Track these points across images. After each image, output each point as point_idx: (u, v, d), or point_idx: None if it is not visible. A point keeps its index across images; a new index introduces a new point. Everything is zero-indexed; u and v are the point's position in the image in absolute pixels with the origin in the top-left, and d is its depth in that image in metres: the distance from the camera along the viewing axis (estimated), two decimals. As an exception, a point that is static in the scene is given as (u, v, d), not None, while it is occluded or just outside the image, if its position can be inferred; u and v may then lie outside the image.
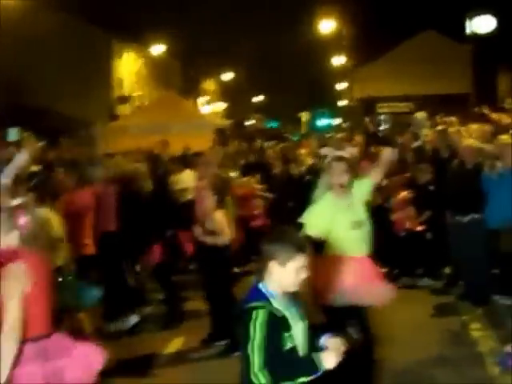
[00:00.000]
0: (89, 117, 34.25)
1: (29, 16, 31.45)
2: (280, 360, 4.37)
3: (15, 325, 5.20)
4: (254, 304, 4.46)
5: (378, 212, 11.14)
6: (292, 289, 4.59)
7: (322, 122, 58.38)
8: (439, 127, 15.25)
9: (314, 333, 4.72)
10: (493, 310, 10.83)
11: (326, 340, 4.68)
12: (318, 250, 7.20)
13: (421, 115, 15.97)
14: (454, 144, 13.02)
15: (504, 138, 11.92)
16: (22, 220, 5.70)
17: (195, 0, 45.69)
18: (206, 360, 9.41)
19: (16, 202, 5.91)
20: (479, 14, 26.41)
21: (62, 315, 6.86)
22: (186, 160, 15.50)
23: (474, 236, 11.15)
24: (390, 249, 12.55)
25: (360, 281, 7.36)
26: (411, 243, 12.82)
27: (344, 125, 44.17)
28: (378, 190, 13.51)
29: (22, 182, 8.42)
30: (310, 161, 15.40)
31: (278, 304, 4.51)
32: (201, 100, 51.38)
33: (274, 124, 53.02)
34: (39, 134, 27.88)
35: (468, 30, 26.95)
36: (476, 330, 10.15)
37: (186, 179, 13.95)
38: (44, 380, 5.41)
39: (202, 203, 10.06)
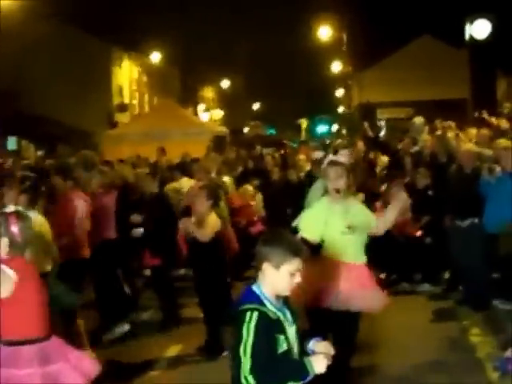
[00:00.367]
0: (88, 124, 34.31)
1: (28, 25, 31.49)
2: (272, 364, 4.32)
3: None
4: (247, 306, 4.41)
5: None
6: (285, 293, 4.53)
7: (322, 129, 58.40)
8: (437, 132, 15.25)
9: (303, 337, 4.68)
10: (492, 315, 10.77)
11: (314, 344, 4.65)
12: (314, 254, 7.14)
13: (419, 120, 15.95)
14: (452, 149, 13.01)
15: (502, 142, 11.89)
16: (14, 227, 5.69)
17: (194, 8, 45.76)
18: (203, 365, 9.34)
19: (9, 209, 5.90)
20: (477, 19, 26.34)
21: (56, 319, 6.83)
22: (184, 167, 15.48)
23: (472, 240, 11.10)
24: (389, 254, 12.52)
25: (353, 287, 7.26)
26: (410, 248, 12.77)
27: (343, 131, 44.21)
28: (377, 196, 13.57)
29: (13, 185, 8.41)
30: (308, 167, 15.38)
31: (272, 306, 4.46)
32: (199, 107, 51.42)
33: (271, 131, 53.03)
34: (38, 143, 27.96)
35: (467, 35, 26.87)
36: (475, 336, 10.10)
37: (184, 187, 13.91)
38: (42, 382, 5.41)
39: (195, 208, 10.03)
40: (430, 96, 42.15)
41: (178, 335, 10.67)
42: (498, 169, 11.18)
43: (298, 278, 4.49)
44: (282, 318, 4.48)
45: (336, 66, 53.72)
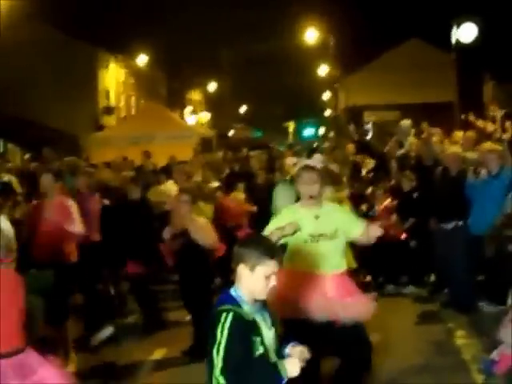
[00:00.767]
0: (74, 128, 34.18)
1: (12, 29, 31.35)
2: (244, 365, 4.29)
3: None
4: (222, 307, 4.40)
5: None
6: (261, 296, 4.51)
7: (308, 132, 58.43)
8: (423, 135, 15.29)
9: (280, 341, 4.67)
10: (477, 317, 10.80)
11: (290, 349, 4.64)
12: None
13: (405, 123, 16.00)
14: (436, 153, 13.05)
15: (487, 145, 11.92)
16: None
17: (180, 10, 45.69)
18: (189, 368, 9.31)
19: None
20: (464, 22, 26.43)
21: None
22: (170, 171, 15.45)
23: (457, 243, 11.13)
24: (375, 257, 12.51)
25: (329, 298, 6.80)
26: (395, 251, 12.79)
27: (331, 134, 44.21)
28: (363, 198, 13.58)
29: None
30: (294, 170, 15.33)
31: (249, 308, 4.44)
32: (186, 110, 51.38)
33: (258, 134, 53.00)
34: (24, 146, 27.83)
35: (454, 39, 26.96)
36: (461, 338, 10.12)
37: (169, 190, 13.88)
38: None
39: (178, 212, 10.00)
40: (417, 99, 42.21)
41: (162, 338, 10.65)
42: (483, 171, 11.21)
43: (273, 281, 4.47)
44: (258, 320, 4.47)
45: (323, 69, 53.73)
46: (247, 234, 14.34)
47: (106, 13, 38.53)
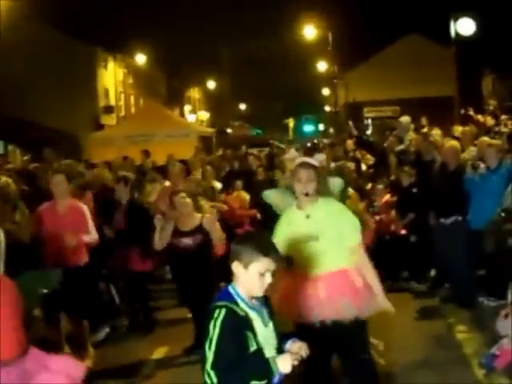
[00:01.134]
0: (74, 127, 34.19)
1: (12, 29, 31.35)
2: (235, 360, 4.31)
3: None
4: (217, 303, 4.44)
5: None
6: (258, 293, 4.53)
7: (308, 128, 58.45)
8: (423, 130, 15.30)
9: (281, 338, 4.68)
10: (478, 311, 10.78)
11: (290, 344, 4.65)
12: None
13: (405, 119, 16.00)
14: (434, 151, 13.06)
15: (486, 139, 11.91)
16: None
17: (179, 9, 45.69)
18: (190, 366, 9.31)
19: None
20: (462, 17, 26.44)
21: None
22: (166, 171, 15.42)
23: (457, 238, 11.12)
24: (375, 252, 12.48)
25: (328, 296, 6.63)
26: (396, 246, 12.79)
27: (331, 130, 44.25)
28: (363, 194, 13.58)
29: None
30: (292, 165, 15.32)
31: (245, 305, 4.47)
32: (186, 108, 51.39)
33: (258, 131, 53.00)
34: (24, 147, 27.84)
35: (452, 33, 26.96)
36: (461, 333, 10.11)
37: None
38: None
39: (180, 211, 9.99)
40: (416, 94, 42.24)
41: (164, 337, 10.66)
42: (482, 166, 11.20)
43: (268, 279, 4.49)
44: (253, 316, 4.48)
45: (322, 65, 53.72)
46: (245, 231, 14.41)
47: (104, 13, 38.55)
